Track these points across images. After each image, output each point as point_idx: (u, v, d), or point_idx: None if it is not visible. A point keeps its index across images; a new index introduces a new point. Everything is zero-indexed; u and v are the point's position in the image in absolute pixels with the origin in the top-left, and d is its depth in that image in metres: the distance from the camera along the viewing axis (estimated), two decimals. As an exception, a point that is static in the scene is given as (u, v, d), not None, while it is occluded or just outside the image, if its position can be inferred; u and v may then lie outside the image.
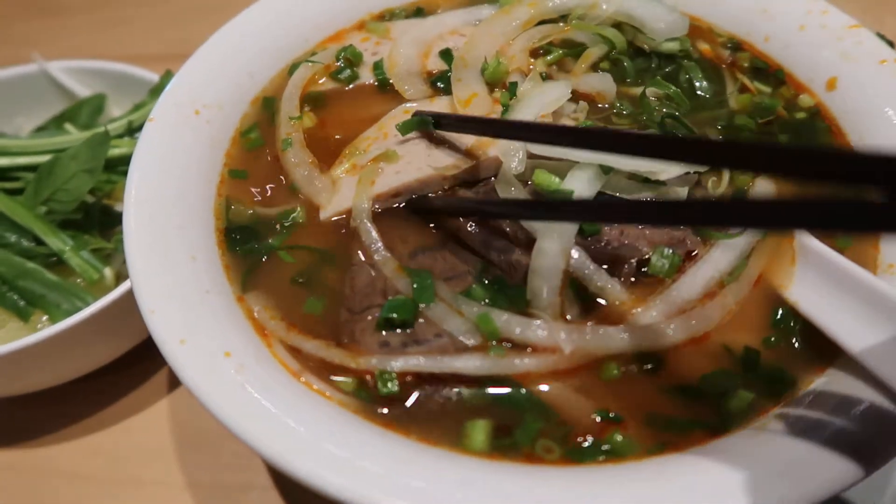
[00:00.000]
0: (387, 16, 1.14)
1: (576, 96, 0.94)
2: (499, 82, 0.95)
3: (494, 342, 0.72)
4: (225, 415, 0.64)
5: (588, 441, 0.68)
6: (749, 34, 1.08)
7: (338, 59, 1.04)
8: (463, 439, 0.68)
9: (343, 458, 0.63)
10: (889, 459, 0.62)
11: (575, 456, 0.66)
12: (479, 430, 0.68)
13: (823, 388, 0.70)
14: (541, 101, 0.89)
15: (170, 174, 0.86)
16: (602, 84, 0.95)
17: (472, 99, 0.93)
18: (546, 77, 0.96)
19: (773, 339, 0.75)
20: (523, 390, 0.71)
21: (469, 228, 0.82)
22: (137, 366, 1.17)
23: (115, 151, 1.20)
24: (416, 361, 0.71)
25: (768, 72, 1.04)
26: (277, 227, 0.86)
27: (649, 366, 0.72)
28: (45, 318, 1.09)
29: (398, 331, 0.73)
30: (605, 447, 0.67)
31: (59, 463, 1.11)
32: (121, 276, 1.14)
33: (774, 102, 0.97)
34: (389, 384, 0.70)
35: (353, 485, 0.60)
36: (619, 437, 0.67)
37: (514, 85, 0.93)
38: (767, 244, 0.81)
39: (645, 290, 0.77)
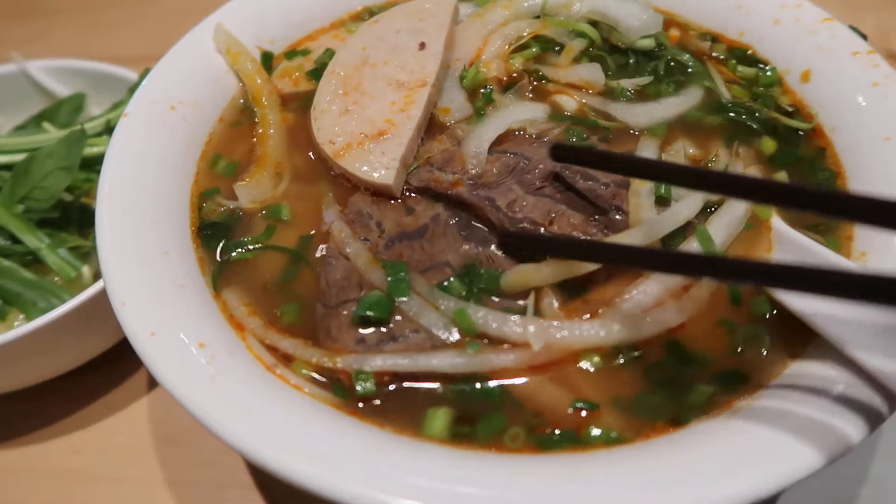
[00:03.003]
0: (365, 15, 1.14)
1: (564, 87, 0.96)
2: (477, 89, 0.96)
3: (471, 338, 0.72)
4: (195, 406, 0.64)
5: (559, 431, 0.68)
6: (725, 29, 1.09)
7: (317, 63, 1.04)
8: (424, 426, 0.68)
9: (314, 449, 0.62)
10: (860, 441, 0.62)
11: (543, 444, 0.66)
12: (439, 418, 0.68)
13: (798, 373, 0.70)
14: (514, 115, 0.91)
15: (143, 169, 0.86)
16: (590, 74, 0.97)
17: (449, 109, 0.94)
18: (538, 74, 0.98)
19: (748, 325, 0.75)
20: (497, 384, 0.71)
21: (450, 218, 0.82)
22: (117, 364, 1.16)
23: (93, 150, 1.19)
24: (393, 361, 0.70)
25: (748, 55, 1.05)
26: (253, 223, 0.86)
27: (627, 357, 0.72)
28: (21, 316, 1.09)
29: (374, 326, 0.73)
30: (577, 436, 0.67)
31: (38, 462, 1.10)
32: (99, 274, 1.13)
33: (767, 100, 0.98)
34: (366, 383, 0.70)
35: (323, 474, 0.60)
36: (592, 427, 0.67)
37: (489, 92, 0.95)
38: (745, 233, 0.81)
39: (623, 280, 0.77)
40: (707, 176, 0.69)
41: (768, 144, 0.92)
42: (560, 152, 0.78)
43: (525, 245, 0.80)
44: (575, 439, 0.67)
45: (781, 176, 0.88)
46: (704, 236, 0.77)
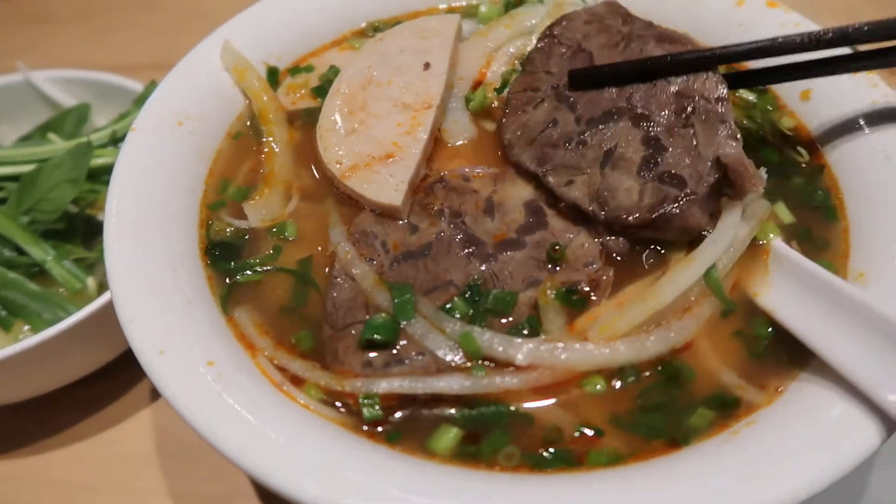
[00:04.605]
0: (369, 31, 1.15)
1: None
2: (483, 111, 0.98)
3: (477, 361, 0.73)
4: (202, 425, 0.65)
5: (558, 450, 0.69)
6: (726, 49, 1.10)
7: (321, 80, 1.05)
8: (431, 441, 0.69)
9: (320, 467, 0.63)
10: (857, 464, 0.63)
11: (542, 464, 0.67)
12: (448, 437, 0.69)
13: (796, 394, 0.71)
14: None
15: (151, 184, 0.86)
16: None
17: (453, 130, 0.96)
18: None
19: (747, 345, 0.76)
20: (503, 406, 0.72)
21: (454, 235, 0.83)
22: (121, 375, 1.17)
23: (99, 161, 1.20)
24: (399, 384, 0.71)
25: None
26: (261, 243, 0.87)
27: (630, 378, 0.73)
28: (26, 328, 1.09)
29: (380, 349, 0.74)
30: (576, 456, 0.68)
31: (42, 471, 1.11)
32: (104, 286, 1.14)
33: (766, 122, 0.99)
34: (373, 408, 0.70)
35: (329, 493, 0.61)
36: (593, 448, 0.68)
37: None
38: (742, 255, 0.82)
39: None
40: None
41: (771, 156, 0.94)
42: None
43: (592, 79, 0.89)
44: (574, 460, 0.68)
45: (781, 208, 0.89)
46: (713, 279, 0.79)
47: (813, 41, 0.83)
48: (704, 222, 0.80)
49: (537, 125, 0.89)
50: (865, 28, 0.79)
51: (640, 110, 0.86)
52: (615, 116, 0.86)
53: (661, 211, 0.78)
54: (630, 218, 0.79)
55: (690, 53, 0.88)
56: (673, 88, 0.87)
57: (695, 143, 0.82)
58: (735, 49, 0.88)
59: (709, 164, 0.80)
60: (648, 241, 0.83)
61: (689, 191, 0.79)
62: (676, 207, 0.78)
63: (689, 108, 0.85)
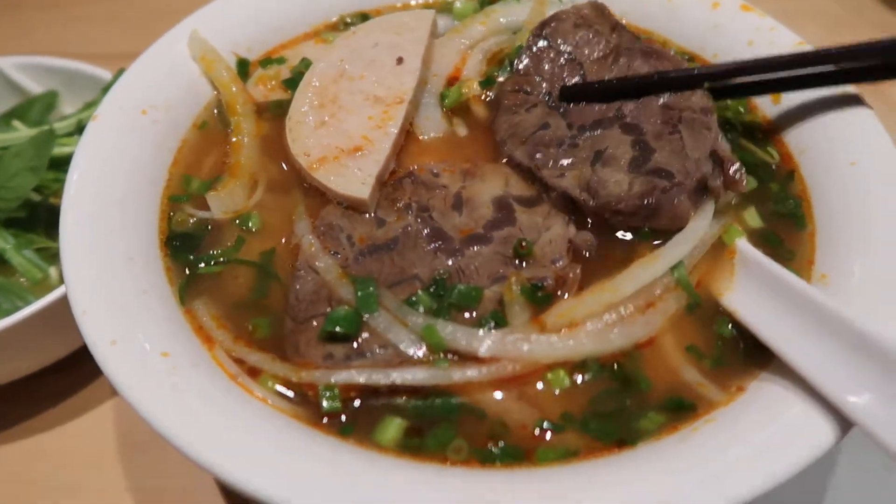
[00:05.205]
0: (341, 25, 1.13)
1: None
2: (457, 107, 0.97)
3: (440, 354, 0.72)
4: (154, 417, 0.64)
5: (508, 444, 0.68)
6: (702, 49, 1.11)
7: (293, 72, 1.04)
8: (376, 433, 0.68)
9: (274, 461, 0.62)
10: (812, 461, 0.63)
11: (489, 459, 0.67)
12: (391, 428, 0.68)
13: (756, 393, 0.71)
14: None
15: (111, 174, 0.85)
16: None
17: (425, 125, 0.96)
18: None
19: (709, 343, 0.76)
20: (461, 399, 0.71)
21: (421, 230, 0.82)
22: (82, 367, 1.14)
23: (64, 150, 1.18)
24: (359, 376, 0.70)
25: None
26: (223, 234, 0.85)
27: (592, 373, 0.73)
28: (-15, 318, 1.06)
29: (342, 342, 0.73)
30: (526, 452, 0.68)
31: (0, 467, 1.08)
32: (67, 276, 1.12)
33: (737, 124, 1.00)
34: (332, 401, 0.69)
35: (280, 488, 0.60)
36: (546, 444, 0.68)
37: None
38: (708, 252, 0.82)
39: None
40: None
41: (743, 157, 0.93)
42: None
43: (583, 94, 0.91)
44: (523, 455, 0.67)
45: (751, 213, 0.89)
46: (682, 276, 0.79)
47: (794, 60, 0.89)
48: (693, 213, 0.82)
49: (529, 127, 0.90)
50: (842, 50, 0.87)
51: (629, 120, 0.88)
52: (606, 125, 0.88)
53: (650, 198, 0.80)
54: (620, 205, 0.81)
55: (677, 72, 0.91)
56: (661, 101, 0.90)
57: (682, 146, 0.84)
58: (719, 68, 0.92)
59: (696, 162, 0.82)
60: (630, 231, 0.84)
61: (677, 180, 0.81)
62: (665, 195, 0.80)
63: (676, 118, 0.87)
